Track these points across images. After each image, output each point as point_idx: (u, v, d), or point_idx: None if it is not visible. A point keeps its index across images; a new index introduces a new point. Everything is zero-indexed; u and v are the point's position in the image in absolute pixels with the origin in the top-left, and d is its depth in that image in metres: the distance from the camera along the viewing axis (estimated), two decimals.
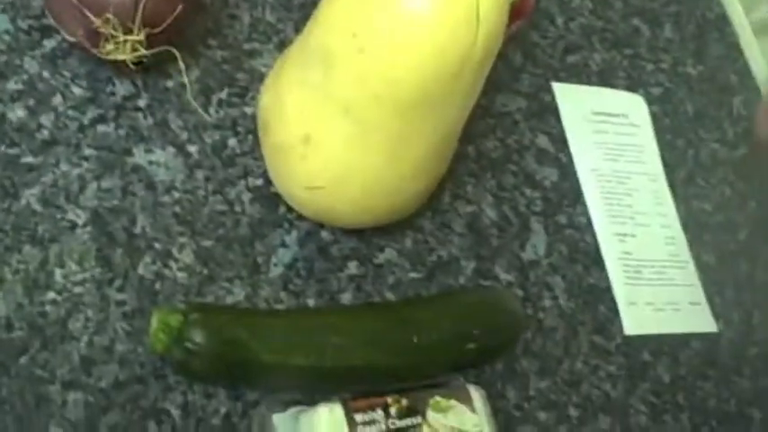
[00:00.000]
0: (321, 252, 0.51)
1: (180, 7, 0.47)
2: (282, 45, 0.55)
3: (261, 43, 0.55)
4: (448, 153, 0.48)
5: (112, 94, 0.50)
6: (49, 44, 0.49)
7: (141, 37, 0.47)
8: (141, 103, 0.50)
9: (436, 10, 0.40)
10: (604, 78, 0.67)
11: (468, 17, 0.40)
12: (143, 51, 0.47)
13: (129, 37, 0.46)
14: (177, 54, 0.48)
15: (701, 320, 0.61)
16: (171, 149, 0.50)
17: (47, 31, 0.49)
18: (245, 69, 0.54)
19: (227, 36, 0.54)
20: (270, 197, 0.51)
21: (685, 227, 0.64)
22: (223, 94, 0.53)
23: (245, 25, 0.55)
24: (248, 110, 0.53)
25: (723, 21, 0.77)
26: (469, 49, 0.41)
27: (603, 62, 0.68)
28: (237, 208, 0.50)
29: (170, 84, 0.51)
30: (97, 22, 0.46)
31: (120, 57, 0.47)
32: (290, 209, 0.51)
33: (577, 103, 0.64)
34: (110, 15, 0.46)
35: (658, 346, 0.58)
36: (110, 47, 0.47)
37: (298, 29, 0.56)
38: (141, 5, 0.46)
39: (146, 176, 0.48)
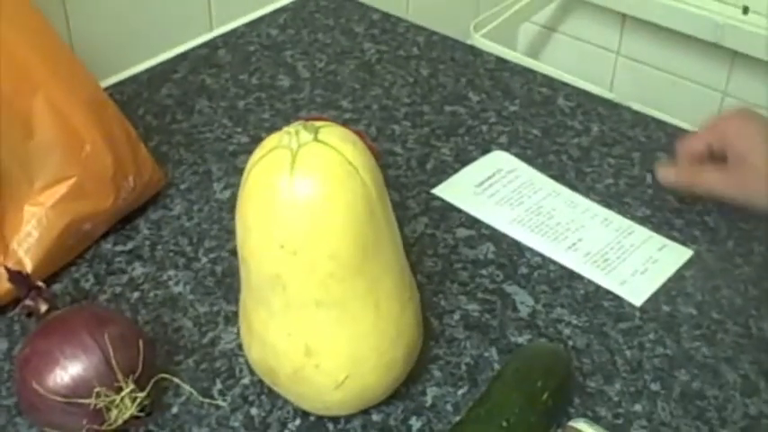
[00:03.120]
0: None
1: (140, 341, 0.52)
2: (226, 318, 0.61)
3: (211, 330, 0.60)
4: (413, 289, 0.54)
5: None
6: None
7: (132, 385, 0.51)
8: None
9: (327, 190, 0.46)
10: (463, 160, 0.76)
11: (350, 171, 0.47)
12: (142, 394, 0.51)
13: (124, 392, 0.51)
14: (173, 378, 0.53)
15: (676, 255, 0.67)
16: None
17: None
18: (220, 353, 0.59)
19: (183, 343, 0.59)
20: (311, 425, 0.54)
21: (607, 205, 0.71)
22: (218, 384, 0.57)
23: (192, 326, 0.61)
24: (246, 381, 0.57)
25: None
26: (367, 194, 0.48)
27: (455, 147, 0.77)
28: None
29: (175, 409, 0.55)
30: (92, 401, 0.50)
31: (128, 413, 0.51)
32: (334, 420, 0.54)
33: (460, 190, 0.72)
34: (98, 389, 0.50)
35: (666, 294, 0.64)
36: (115, 412, 0.51)
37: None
38: (114, 362, 0.50)
39: None
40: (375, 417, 0.55)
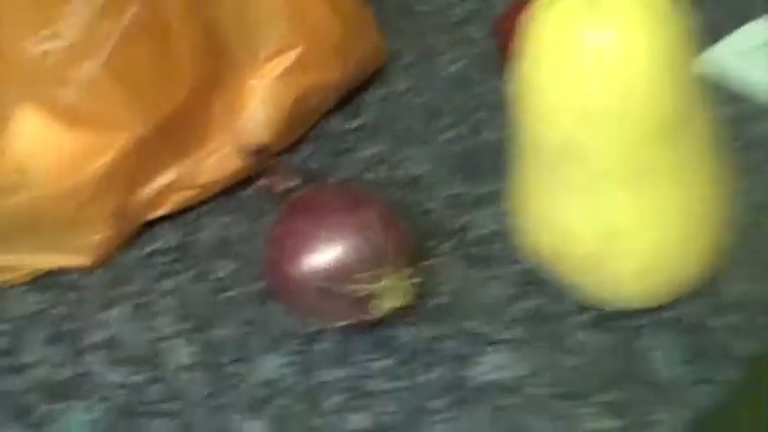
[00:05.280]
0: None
1: (400, 222, 0.46)
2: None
3: (462, 214, 0.53)
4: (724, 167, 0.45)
5: (406, 342, 0.47)
6: (324, 345, 0.47)
7: (396, 271, 0.44)
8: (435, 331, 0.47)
9: (642, 39, 0.38)
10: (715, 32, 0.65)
11: (665, 16, 0.38)
12: (407, 282, 0.45)
13: (389, 279, 0.44)
14: (437, 261, 0.46)
15: None
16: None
17: (314, 336, 0.47)
18: (476, 239, 0.51)
19: (433, 229, 0.52)
20: (596, 320, 0.47)
21: None
22: (480, 272, 0.50)
23: (440, 209, 0.53)
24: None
25: None
26: (684, 45, 0.39)
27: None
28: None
29: (436, 300, 0.48)
30: (355, 288, 0.43)
31: (393, 303, 0.45)
32: (623, 315, 0.47)
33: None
34: (360, 274, 0.43)
35: None
36: (378, 302, 0.44)
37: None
38: (376, 245, 0.44)
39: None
40: (666, 314, 0.47)
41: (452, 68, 0.64)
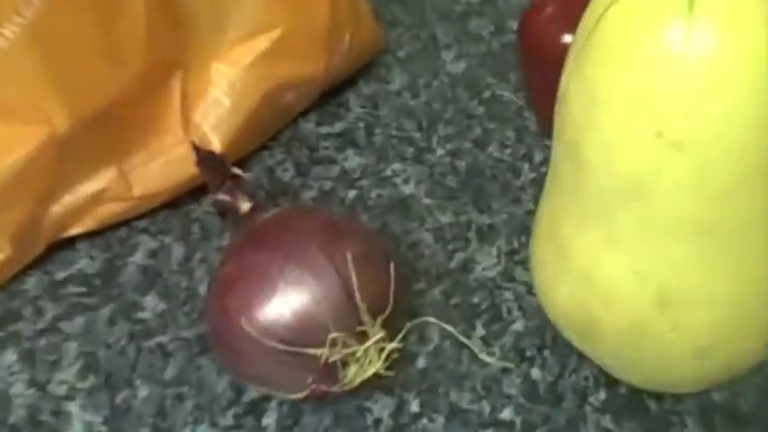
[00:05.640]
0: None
1: (391, 265, 0.36)
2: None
3: (461, 249, 0.43)
4: None
5: (378, 420, 0.37)
6: (268, 420, 0.37)
7: (380, 331, 0.34)
8: (415, 407, 0.37)
9: (753, 48, 0.28)
10: None
11: None
12: (392, 345, 0.35)
13: (371, 341, 0.34)
14: (436, 320, 0.36)
15: None
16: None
17: (256, 406, 0.37)
18: (477, 283, 0.41)
19: (424, 266, 0.42)
20: (624, 401, 0.37)
21: None
22: (480, 328, 0.40)
23: (434, 241, 0.43)
24: (518, 326, 0.40)
25: None
26: None
27: None
28: None
29: (421, 362, 0.39)
30: (325, 352, 0.33)
31: (371, 370, 0.35)
32: (657, 397, 0.37)
33: None
34: (333, 334, 0.33)
35: None
36: (353, 369, 0.34)
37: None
38: (357, 295, 0.34)
39: None
40: (717, 396, 0.37)
41: (458, 66, 0.54)
